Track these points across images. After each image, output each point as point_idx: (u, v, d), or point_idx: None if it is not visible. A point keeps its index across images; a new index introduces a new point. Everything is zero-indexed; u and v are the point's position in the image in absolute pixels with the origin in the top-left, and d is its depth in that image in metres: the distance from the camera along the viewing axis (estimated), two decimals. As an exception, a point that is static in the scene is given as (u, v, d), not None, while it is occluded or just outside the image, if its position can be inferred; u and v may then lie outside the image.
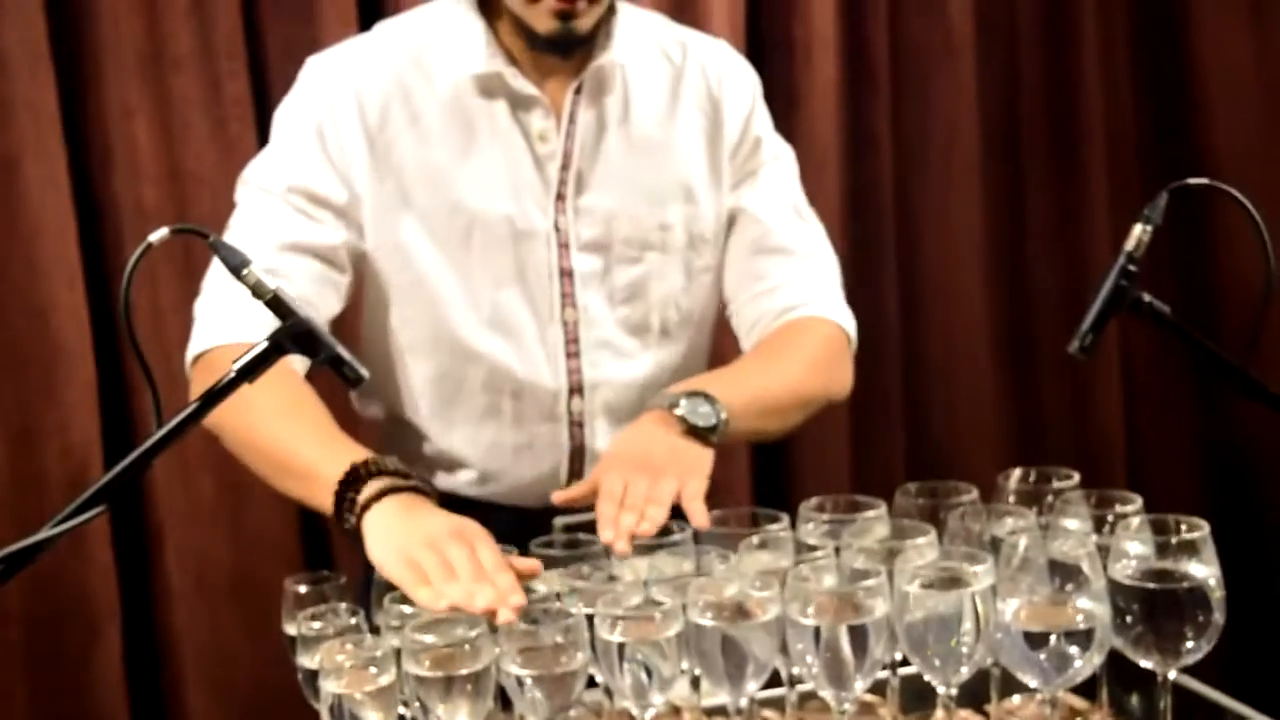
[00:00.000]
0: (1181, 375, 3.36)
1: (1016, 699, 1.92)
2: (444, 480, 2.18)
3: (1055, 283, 3.28)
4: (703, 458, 1.92)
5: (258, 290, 1.61)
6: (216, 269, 2.01)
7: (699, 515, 1.82)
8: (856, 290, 3.02)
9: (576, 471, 2.16)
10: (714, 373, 2.12)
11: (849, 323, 2.22)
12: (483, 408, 2.14)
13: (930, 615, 1.65)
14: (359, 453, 1.84)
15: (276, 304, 1.62)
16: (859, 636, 1.61)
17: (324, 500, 1.81)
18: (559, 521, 1.96)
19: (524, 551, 1.82)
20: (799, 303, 2.19)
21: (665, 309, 2.18)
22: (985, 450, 3.22)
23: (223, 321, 2.01)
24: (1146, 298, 1.82)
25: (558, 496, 1.91)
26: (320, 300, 2.06)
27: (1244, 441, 3.38)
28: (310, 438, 1.92)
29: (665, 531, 1.84)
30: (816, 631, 1.62)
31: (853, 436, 3.14)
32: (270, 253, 2.03)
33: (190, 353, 2.04)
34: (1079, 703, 1.88)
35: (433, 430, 2.17)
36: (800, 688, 1.79)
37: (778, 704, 1.84)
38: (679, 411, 1.94)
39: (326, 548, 2.89)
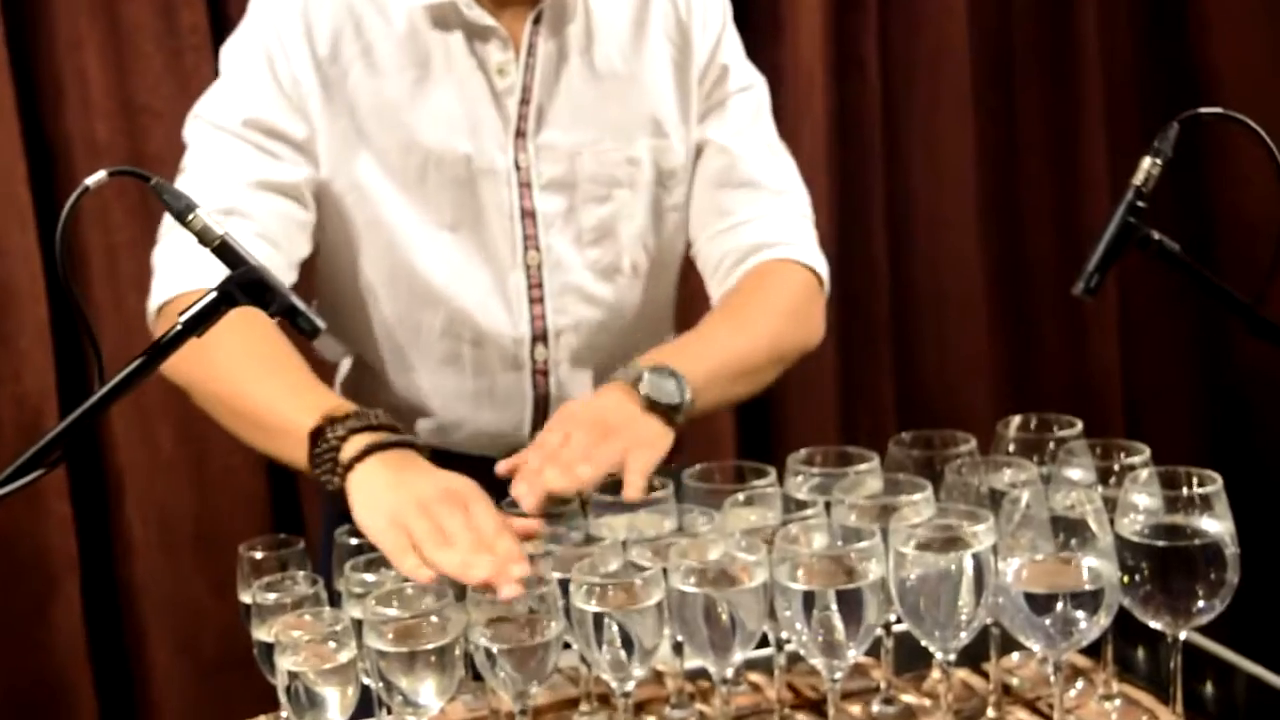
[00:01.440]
0: (1181, 312, 3.25)
1: (1016, 657, 1.83)
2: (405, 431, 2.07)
3: (1049, 214, 3.17)
4: (659, 434, 1.81)
5: (204, 236, 1.50)
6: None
7: (634, 486, 1.69)
8: (842, 222, 2.92)
9: (540, 422, 2.05)
10: (681, 340, 2.00)
11: (821, 265, 2.11)
12: (442, 354, 2.04)
13: (928, 578, 1.55)
14: (338, 405, 1.73)
15: (224, 251, 1.52)
16: (852, 602, 1.51)
17: (300, 458, 1.71)
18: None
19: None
20: (767, 242, 2.08)
21: (635, 250, 2.08)
22: (978, 388, 3.11)
23: (184, 269, 1.89)
24: (1155, 235, 1.71)
25: (501, 467, 1.76)
26: (289, 242, 1.95)
27: (1245, 380, 3.28)
28: (285, 389, 1.81)
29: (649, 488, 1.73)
30: (806, 597, 1.51)
31: (840, 378, 3.03)
32: (234, 192, 1.92)
33: (152, 304, 1.92)
34: (1082, 661, 1.79)
35: (393, 376, 2.07)
36: (789, 647, 1.68)
37: (765, 666, 1.74)
38: (642, 387, 1.82)
39: (295, 498, 2.79)
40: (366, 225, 2.00)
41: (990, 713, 1.73)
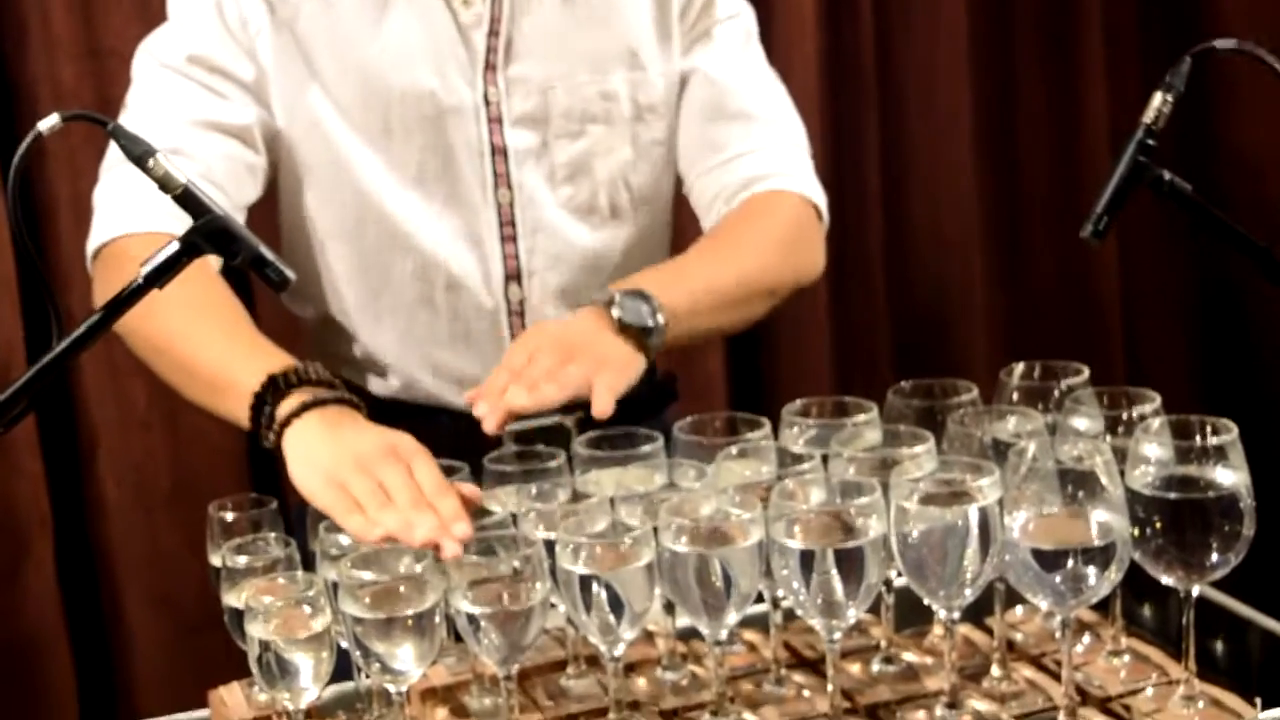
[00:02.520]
0: (1182, 252, 3.17)
1: (1019, 611, 1.77)
2: (378, 385, 2.01)
3: (1047, 153, 3.08)
4: (629, 358, 1.76)
5: (165, 183, 1.43)
6: (114, 152, 1.81)
7: (602, 402, 1.65)
8: (835, 164, 2.84)
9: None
10: (662, 266, 1.94)
11: (818, 195, 2.05)
12: (413, 299, 1.96)
13: (931, 535, 1.47)
14: (277, 359, 1.67)
15: (188, 199, 1.45)
16: (852, 561, 1.44)
17: (239, 414, 1.65)
18: (511, 428, 1.76)
19: (476, 466, 1.64)
20: (763, 174, 2.01)
21: (613, 187, 1.99)
22: (975, 331, 3.03)
23: (126, 209, 1.82)
24: (1167, 175, 1.63)
25: (467, 395, 1.71)
26: (235, 185, 1.88)
27: (1250, 320, 3.20)
28: (222, 342, 1.74)
29: (631, 440, 1.66)
30: (804, 556, 1.44)
31: (834, 319, 2.95)
32: (176, 130, 1.85)
33: (90, 245, 1.86)
34: (1089, 615, 1.73)
35: (361, 327, 1.99)
36: (786, 603, 1.61)
37: (760, 623, 1.68)
38: (615, 311, 1.77)
39: (271, 455, 2.69)
40: (327, 169, 1.92)
41: (995, 670, 1.66)
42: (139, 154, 1.42)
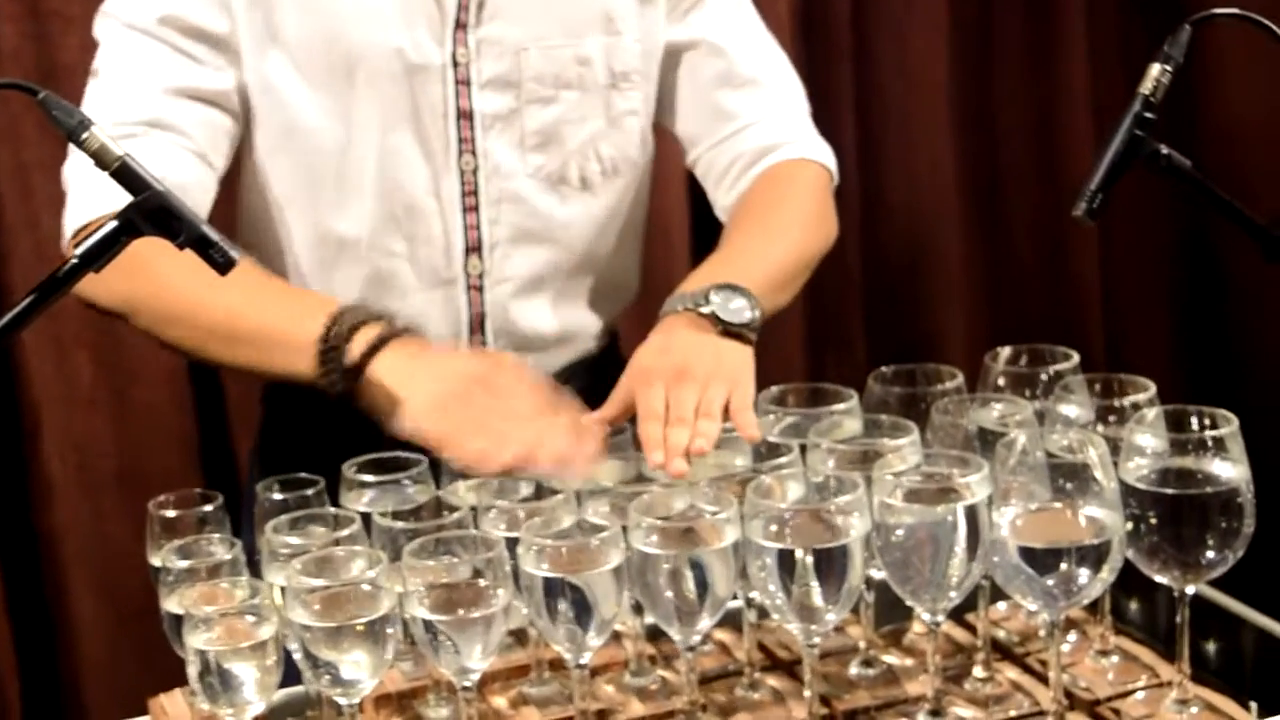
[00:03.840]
0: (1164, 227, 3.09)
1: (1002, 606, 1.70)
2: None
3: (1026, 123, 2.98)
4: (747, 360, 1.66)
5: (101, 157, 1.34)
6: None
7: (750, 426, 1.55)
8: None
9: (477, 344, 1.90)
10: (722, 257, 1.83)
11: (830, 159, 2.00)
12: (368, 272, 1.86)
13: (916, 534, 1.39)
14: (326, 302, 1.63)
15: (125, 174, 1.35)
16: (833, 562, 1.35)
17: (300, 364, 1.59)
18: None
19: (434, 459, 1.55)
20: (776, 143, 1.95)
21: (584, 158, 1.90)
22: (951, 306, 2.93)
23: (101, 188, 1.69)
24: (1164, 150, 1.55)
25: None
26: (218, 156, 1.80)
27: (1232, 298, 3.13)
28: (262, 296, 1.69)
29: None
30: (782, 557, 1.35)
31: (806, 299, 2.84)
32: (153, 99, 1.75)
33: (68, 227, 1.75)
34: (1075, 612, 1.66)
35: None
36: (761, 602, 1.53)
37: (732, 622, 1.60)
38: (711, 309, 1.67)
39: (225, 435, 2.60)
40: (280, 131, 1.82)
41: (978, 671, 1.58)
42: (72, 126, 1.32)
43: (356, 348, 1.56)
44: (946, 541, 1.38)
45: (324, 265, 1.87)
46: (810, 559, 1.35)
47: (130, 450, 2.56)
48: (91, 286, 1.57)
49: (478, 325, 1.89)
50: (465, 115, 1.83)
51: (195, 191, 1.74)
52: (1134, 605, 1.72)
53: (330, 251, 1.86)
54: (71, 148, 1.76)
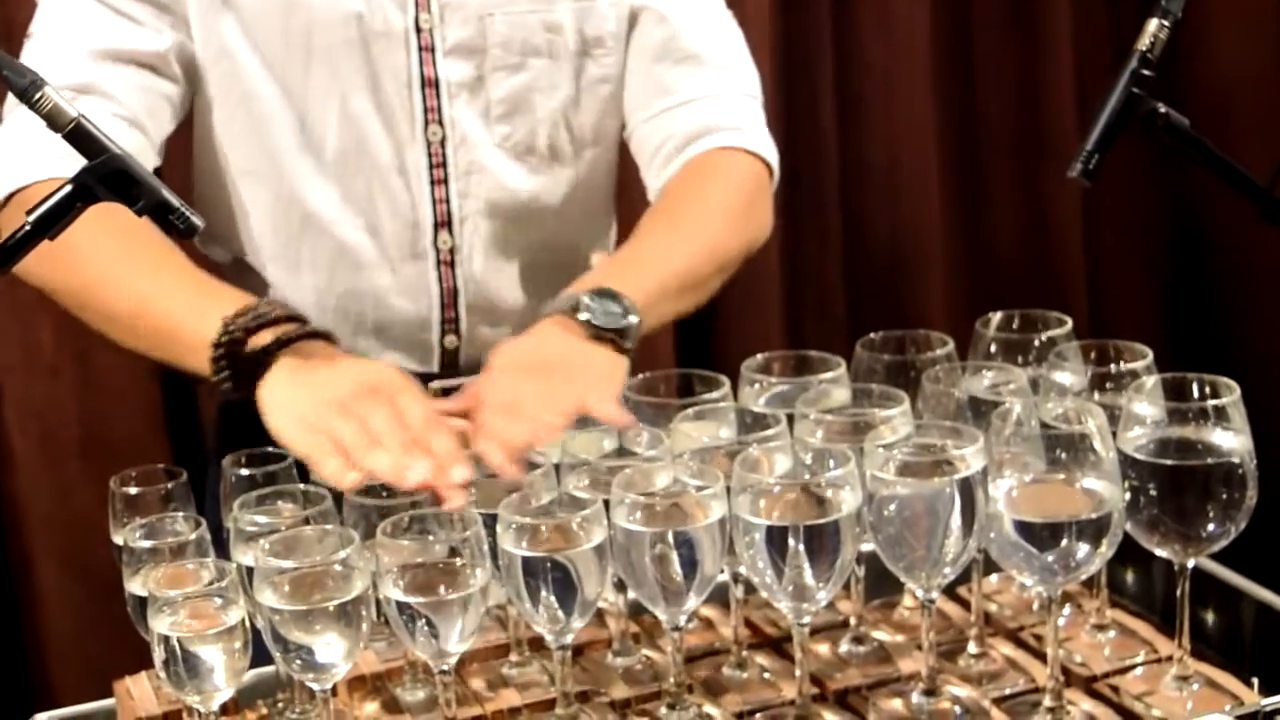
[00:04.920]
0: (1148, 186, 3.03)
1: (994, 579, 1.65)
2: None
3: (1008, 82, 2.92)
4: (614, 364, 1.59)
5: (54, 119, 1.28)
6: None
7: (615, 413, 1.49)
8: (788, 90, 2.68)
9: (450, 320, 1.83)
10: (619, 255, 1.76)
11: (770, 153, 1.88)
12: (334, 247, 1.80)
13: (909, 509, 1.34)
14: (231, 299, 1.55)
15: (79, 136, 1.29)
16: (824, 538, 1.30)
17: (198, 364, 1.54)
18: (435, 385, 1.63)
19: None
20: (711, 126, 1.84)
21: (553, 127, 1.83)
22: (933, 265, 2.87)
23: (40, 152, 1.63)
24: (1162, 109, 1.50)
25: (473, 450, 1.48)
26: (154, 122, 1.73)
27: (1215, 257, 3.08)
28: (171, 288, 1.61)
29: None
30: (771, 533, 1.30)
31: (786, 266, 2.79)
32: (84, 63, 1.68)
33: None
34: (1070, 585, 1.59)
35: (278, 274, 1.82)
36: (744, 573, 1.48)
37: (719, 597, 1.54)
38: (583, 315, 1.60)
39: (192, 402, 2.53)
40: (236, 101, 1.75)
41: (971, 648, 1.54)
42: (23, 87, 1.26)
43: (248, 357, 1.50)
44: (942, 516, 1.33)
45: (289, 241, 1.80)
46: (801, 535, 1.29)
47: (94, 418, 2.49)
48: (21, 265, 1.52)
49: (450, 300, 1.82)
50: (430, 83, 1.76)
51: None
52: (1129, 576, 1.68)
53: (294, 226, 1.79)
54: (7, 111, 1.71)
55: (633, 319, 1.61)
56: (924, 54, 2.82)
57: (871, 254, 2.88)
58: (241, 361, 1.50)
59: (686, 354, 2.66)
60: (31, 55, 1.70)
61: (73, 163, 1.60)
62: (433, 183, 1.78)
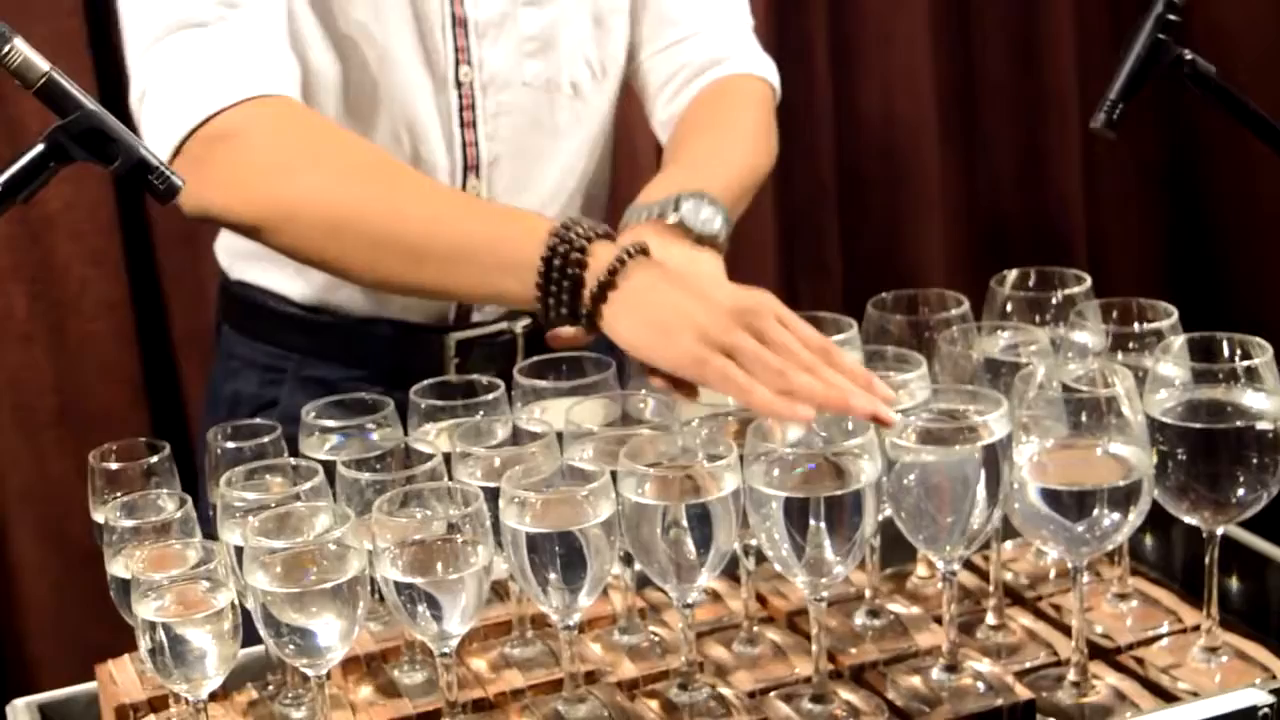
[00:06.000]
0: (1148, 136, 2.97)
1: (1009, 546, 1.59)
2: (299, 287, 1.77)
3: (1007, 29, 2.84)
4: (720, 269, 1.55)
5: (24, 75, 1.21)
6: (143, 24, 1.56)
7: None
8: (781, 38, 2.61)
9: None
10: (682, 164, 1.72)
11: (773, 74, 1.92)
12: None
13: (931, 478, 1.28)
14: (528, 218, 1.45)
15: (52, 92, 1.22)
16: (844, 510, 1.24)
17: (517, 289, 1.40)
18: (454, 336, 1.66)
19: (401, 401, 1.43)
20: (719, 57, 1.87)
21: (576, 64, 1.79)
22: (931, 218, 2.80)
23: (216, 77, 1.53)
24: (1189, 55, 1.43)
25: (553, 336, 1.45)
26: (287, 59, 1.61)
27: (1214, 210, 3.02)
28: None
29: (579, 368, 1.46)
30: (789, 505, 1.24)
31: (780, 205, 2.72)
32: None
33: (173, 136, 1.53)
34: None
35: None
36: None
37: (727, 568, 1.47)
38: (680, 218, 1.56)
39: (171, 367, 2.45)
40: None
41: (990, 619, 1.48)
42: (-11, 37, 1.19)
43: (595, 270, 1.36)
44: (965, 486, 1.27)
45: None
46: (822, 507, 1.23)
47: (70, 387, 2.41)
48: (220, 198, 1.48)
49: None
50: (460, 23, 1.70)
51: (290, 80, 1.57)
52: (1148, 542, 1.62)
53: None
54: (137, 56, 1.59)
55: (727, 221, 1.59)
56: (921, 2, 2.75)
57: (866, 202, 2.81)
58: (582, 279, 1.36)
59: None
60: None
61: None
62: (462, 125, 1.72)
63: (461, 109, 1.72)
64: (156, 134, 1.52)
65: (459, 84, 1.71)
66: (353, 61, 1.67)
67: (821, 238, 2.78)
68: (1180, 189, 3.02)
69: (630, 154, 2.35)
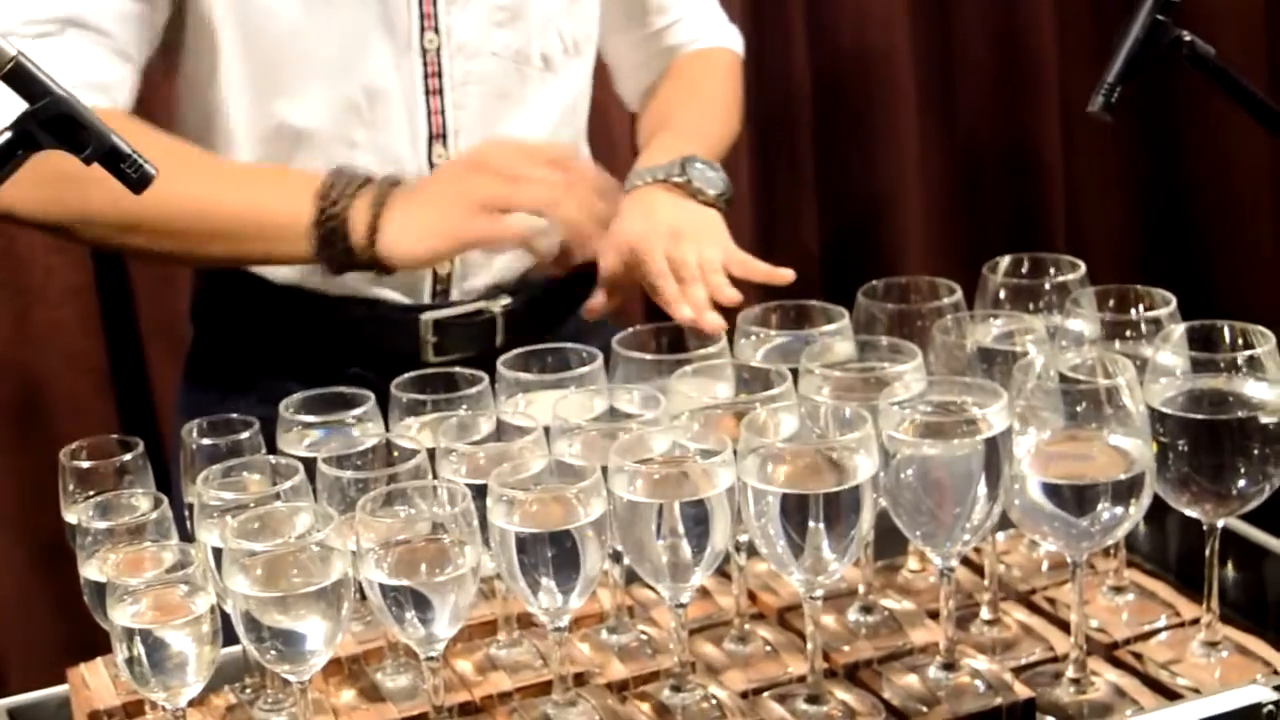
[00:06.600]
0: (1128, 114, 2.93)
1: (1001, 538, 1.55)
2: (276, 268, 1.75)
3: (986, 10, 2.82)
4: (726, 228, 1.69)
5: None
6: None
7: (775, 272, 1.61)
8: (756, 16, 2.57)
9: None
10: (677, 131, 1.81)
11: (739, 44, 2.01)
12: (326, 165, 1.68)
13: (930, 473, 1.25)
14: (302, 180, 1.61)
15: (20, 78, 1.18)
16: (842, 506, 1.20)
17: (303, 253, 1.61)
18: (429, 317, 1.70)
19: (382, 394, 1.39)
20: (694, 38, 1.95)
21: (547, 37, 1.77)
22: (909, 198, 2.76)
23: None
24: (1188, 37, 1.40)
25: (592, 306, 1.68)
26: (138, 49, 1.66)
27: (1194, 190, 2.99)
28: (232, 182, 1.66)
29: (564, 361, 1.42)
30: (786, 502, 1.20)
31: (759, 185, 2.67)
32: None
33: None
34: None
35: None
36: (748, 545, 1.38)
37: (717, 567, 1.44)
38: (688, 179, 1.69)
39: (139, 355, 2.40)
40: (232, 14, 1.66)
41: (985, 614, 1.45)
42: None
43: (357, 220, 1.57)
44: (967, 480, 1.23)
45: (279, 159, 1.71)
46: (820, 504, 1.19)
47: (34, 377, 2.36)
48: (20, 201, 1.54)
49: None
50: None
51: (119, 91, 1.63)
52: (1142, 531, 1.59)
53: (285, 145, 1.70)
54: None
55: (729, 182, 1.72)
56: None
57: (846, 178, 2.76)
58: (348, 232, 1.57)
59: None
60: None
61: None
62: (427, 93, 1.70)
63: (427, 76, 1.71)
64: None
65: (424, 50, 1.69)
66: (305, 23, 1.65)
67: (798, 210, 2.73)
68: (1159, 172, 2.98)
69: (606, 134, 2.32)
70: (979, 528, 1.26)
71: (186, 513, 1.29)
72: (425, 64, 1.70)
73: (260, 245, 1.63)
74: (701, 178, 1.69)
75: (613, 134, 2.41)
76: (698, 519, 1.19)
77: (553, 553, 1.17)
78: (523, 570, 1.18)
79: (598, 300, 1.67)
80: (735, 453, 1.22)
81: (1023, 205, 2.87)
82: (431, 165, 1.73)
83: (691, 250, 1.59)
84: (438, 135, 1.72)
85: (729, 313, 1.54)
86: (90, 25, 1.60)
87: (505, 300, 1.77)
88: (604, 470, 1.21)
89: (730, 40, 1.98)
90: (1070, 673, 1.34)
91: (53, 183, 1.51)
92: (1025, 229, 2.82)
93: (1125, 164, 2.96)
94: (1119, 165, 2.95)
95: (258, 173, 1.68)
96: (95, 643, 1.34)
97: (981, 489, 1.24)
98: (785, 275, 1.60)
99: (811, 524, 1.19)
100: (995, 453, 1.24)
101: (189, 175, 1.60)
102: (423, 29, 1.69)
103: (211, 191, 1.62)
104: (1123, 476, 1.27)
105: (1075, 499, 1.26)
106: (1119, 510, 1.27)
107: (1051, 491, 1.27)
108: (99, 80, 1.59)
